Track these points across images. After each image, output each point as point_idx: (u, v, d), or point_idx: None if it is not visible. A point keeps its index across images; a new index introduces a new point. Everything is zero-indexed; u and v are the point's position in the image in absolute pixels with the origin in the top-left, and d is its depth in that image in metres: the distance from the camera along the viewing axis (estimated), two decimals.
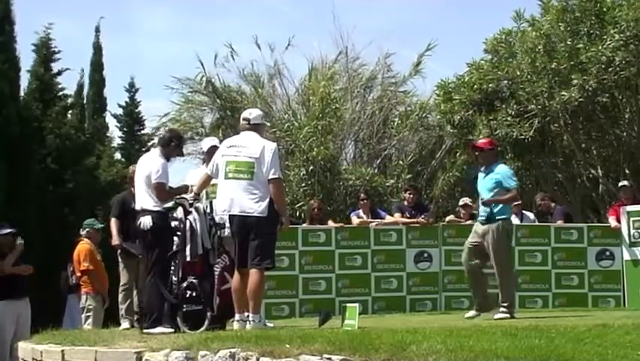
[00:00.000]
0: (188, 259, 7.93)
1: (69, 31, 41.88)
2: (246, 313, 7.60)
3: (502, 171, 9.36)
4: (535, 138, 16.70)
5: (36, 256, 11.67)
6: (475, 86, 17.17)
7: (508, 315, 8.92)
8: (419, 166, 20.43)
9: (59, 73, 20.70)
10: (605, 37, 15.55)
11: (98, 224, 11.88)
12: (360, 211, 12.21)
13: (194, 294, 7.89)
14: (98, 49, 22.85)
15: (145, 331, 7.78)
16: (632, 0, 15.52)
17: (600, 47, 15.40)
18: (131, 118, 24.63)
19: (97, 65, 22.89)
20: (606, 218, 13.04)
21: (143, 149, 21.73)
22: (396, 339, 5.46)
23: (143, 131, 24.67)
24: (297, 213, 16.67)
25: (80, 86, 22.68)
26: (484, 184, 9.34)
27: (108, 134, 23.63)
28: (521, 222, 12.06)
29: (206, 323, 7.71)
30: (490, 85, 17.05)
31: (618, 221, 11.93)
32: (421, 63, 21.74)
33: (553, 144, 17.68)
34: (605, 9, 16.03)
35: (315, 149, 18.35)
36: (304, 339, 5.69)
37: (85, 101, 22.77)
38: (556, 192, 17.56)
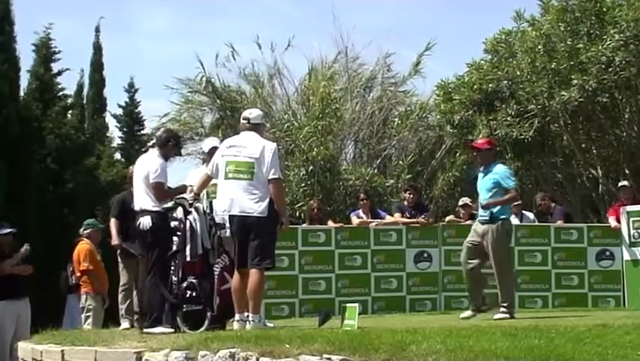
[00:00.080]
0: (188, 259, 7.93)
1: (69, 31, 41.96)
2: (246, 314, 7.60)
3: (501, 171, 9.35)
4: (535, 138, 16.67)
5: (36, 256, 11.65)
6: (475, 86, 17.14)
7: (507, 315, 8.91)
8: (419, 166, 20.42)
9: (59, 73, 20.75)
10: (605, 37, 15.52)
11: (100, 224, 11.89)
12: (360, 211, 12.20)
13: (194, 294, 7.88)
14: (98, 49, 22.89)
15: (145, 331, 7.77)
16: (632, 0, 15.50)
17: (600, 47, 15.38)
18: (131, 118, 24.65)
19: (97, 65, 22.91)
20: (606, 218, 13.03)
21: (143, 149, 21.57)
22: (395, 339, 5.46)
23: (142, 132, 24.70)
24: (297, 214, 16.66)
25: (80, 86, 22.73)
26: (483, 184, 9.33)
27: (108, 135, 23.71)
28: (521, 222, 12.07)
29: (206, 323, 7.70)
30: (490, 85, 17.01)
31: (618, 221, 11.93)
32: (421, 63, 21.78)
33: (553, 144, 17.65)
34: (605, 9, 16.00)
35: (315, 149, 18.33)
36: (304, 339, 5.69)
37: (85, 102, 22.80)
38: (556, 192, 17.54)
